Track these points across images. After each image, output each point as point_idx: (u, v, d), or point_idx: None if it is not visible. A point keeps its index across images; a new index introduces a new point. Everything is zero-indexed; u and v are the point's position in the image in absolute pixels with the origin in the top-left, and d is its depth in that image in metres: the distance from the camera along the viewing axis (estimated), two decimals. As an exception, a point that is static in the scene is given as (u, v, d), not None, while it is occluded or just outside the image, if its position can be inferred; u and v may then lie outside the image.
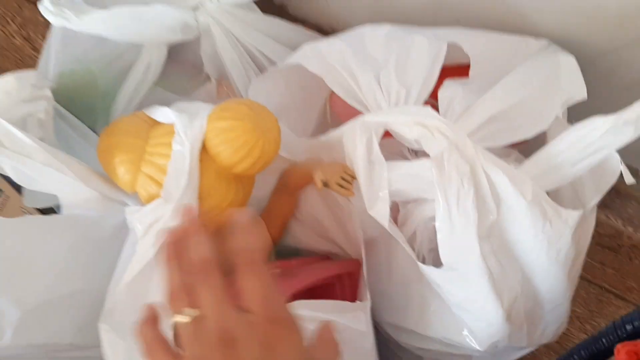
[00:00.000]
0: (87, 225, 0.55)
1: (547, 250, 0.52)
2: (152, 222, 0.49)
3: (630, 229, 0.90)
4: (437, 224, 0.51)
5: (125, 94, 0.72)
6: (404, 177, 0.53)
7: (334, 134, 0.57)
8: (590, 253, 0.91)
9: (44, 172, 0.49)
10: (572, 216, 0.52)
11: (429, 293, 0.59)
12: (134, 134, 0.52)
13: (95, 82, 0.71)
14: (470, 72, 0.59)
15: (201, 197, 0.51)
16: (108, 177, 0.55)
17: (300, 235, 0.66)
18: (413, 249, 0.58)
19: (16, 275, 0.52)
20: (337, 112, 0.71)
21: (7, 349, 0.55)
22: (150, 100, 0.66)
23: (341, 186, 0.55)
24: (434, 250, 0.57)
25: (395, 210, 0.60)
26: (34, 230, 0.53)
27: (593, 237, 0.91)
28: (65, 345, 0.59)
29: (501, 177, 0.50)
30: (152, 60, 0.72)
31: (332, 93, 0.72)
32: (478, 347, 0.58)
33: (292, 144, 0.60)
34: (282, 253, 0.68)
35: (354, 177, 0.55)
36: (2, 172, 0.50)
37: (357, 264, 0.63)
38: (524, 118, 0.55)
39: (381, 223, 0.54)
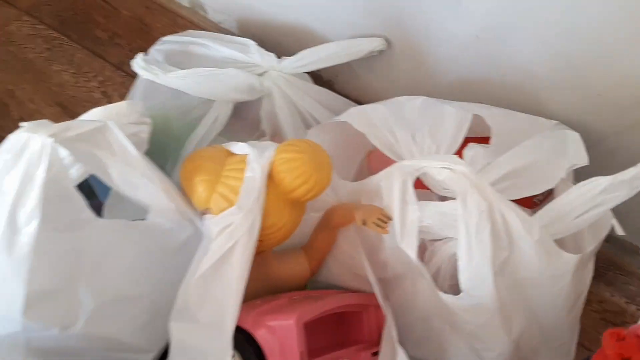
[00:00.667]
0: (160, 235, 0.64)
1: (551, 287, 0.61)
2: (225, 225, 0.59)
3: (633, 307, 0.97)
4: (459, 253, 0.60)
5: (194, 140, 0.84)
6: (433, 215, 0.62)
7: (373, 178, 0.68)
8: (596, 328, 0.98)
9: (140, 181, 0.60)
10: (572, 258, 0.61)
11: (448, 327, 0.67)
12: (213, 160, 0.64)
13: (170, 127, 0.84)
14: (491, 140, 0.71)
15: (263, 215, 0.61)
16: (184, 196, 0.65)
17: (335, 271, 0.75)
18: (436, 284, 0.67)
19: (98, 269, 0.61)
20: (374, 168, 0.82)
21: (76, 337, 0.62)
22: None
23: (377, 225, 0.64)
24: (454, 286, 0.66)
25: (422, 250, 0.70)
26: (118, 231, 0.62)
27: (598, 312, 0.98)
28: (123, 343, 0.66)
29: (513, 217, 0.59)
30: (220, 114, 0.85)
31: (370, 151, 0.84)
32: (488, 378, 0.65)
33: (336, 186, 0.71)
34: (317, 288, 0.76)
35: (389, 219, 0.64)
36: (106, 180, 0.60)
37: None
38: (534, 177, 0.66)
39: (409, 254, 0.63)
